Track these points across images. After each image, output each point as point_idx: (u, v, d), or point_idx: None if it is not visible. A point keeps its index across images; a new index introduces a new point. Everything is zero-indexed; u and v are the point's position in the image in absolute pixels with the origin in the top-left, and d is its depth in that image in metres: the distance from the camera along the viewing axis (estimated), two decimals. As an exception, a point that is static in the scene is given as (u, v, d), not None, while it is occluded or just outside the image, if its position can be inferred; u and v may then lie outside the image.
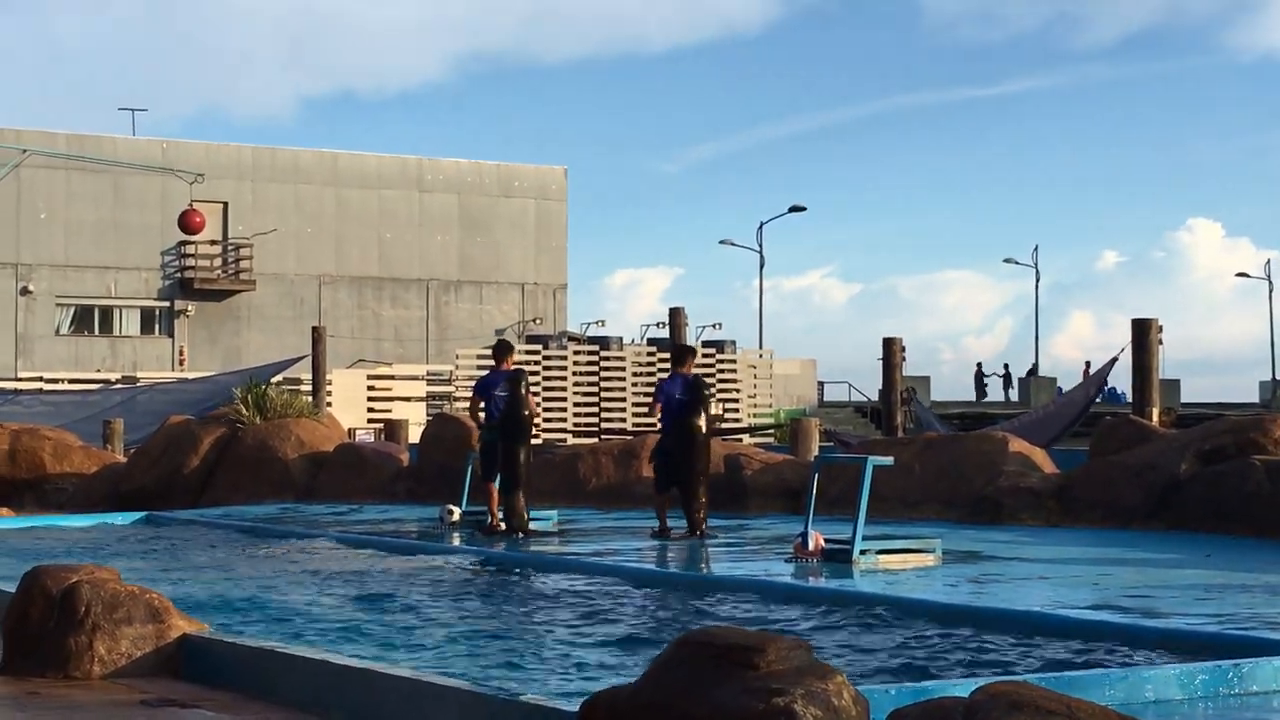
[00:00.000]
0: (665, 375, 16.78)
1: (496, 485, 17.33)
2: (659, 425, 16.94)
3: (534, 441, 18.24)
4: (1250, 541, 15.21)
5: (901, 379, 31.10)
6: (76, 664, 8.35)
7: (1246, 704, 7.32)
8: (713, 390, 17.43)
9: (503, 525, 17.17)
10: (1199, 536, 15.63)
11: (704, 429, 16.44)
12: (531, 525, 17.16)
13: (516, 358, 47.42)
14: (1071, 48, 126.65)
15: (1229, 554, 14.13)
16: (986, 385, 71.36)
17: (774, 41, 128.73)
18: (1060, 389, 59.73)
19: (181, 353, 56.06)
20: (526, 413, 17.24)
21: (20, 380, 48.31)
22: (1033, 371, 71.42)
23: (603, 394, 45.99)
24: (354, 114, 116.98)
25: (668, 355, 30.27)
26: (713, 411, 45.91)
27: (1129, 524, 16.76)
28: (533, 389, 46.25)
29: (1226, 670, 7.49)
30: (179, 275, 56.40)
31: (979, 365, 73.30)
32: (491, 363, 18.44)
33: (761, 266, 66.09)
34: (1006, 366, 73.12)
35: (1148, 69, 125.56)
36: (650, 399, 17.63)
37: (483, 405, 17.54)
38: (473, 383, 21.70)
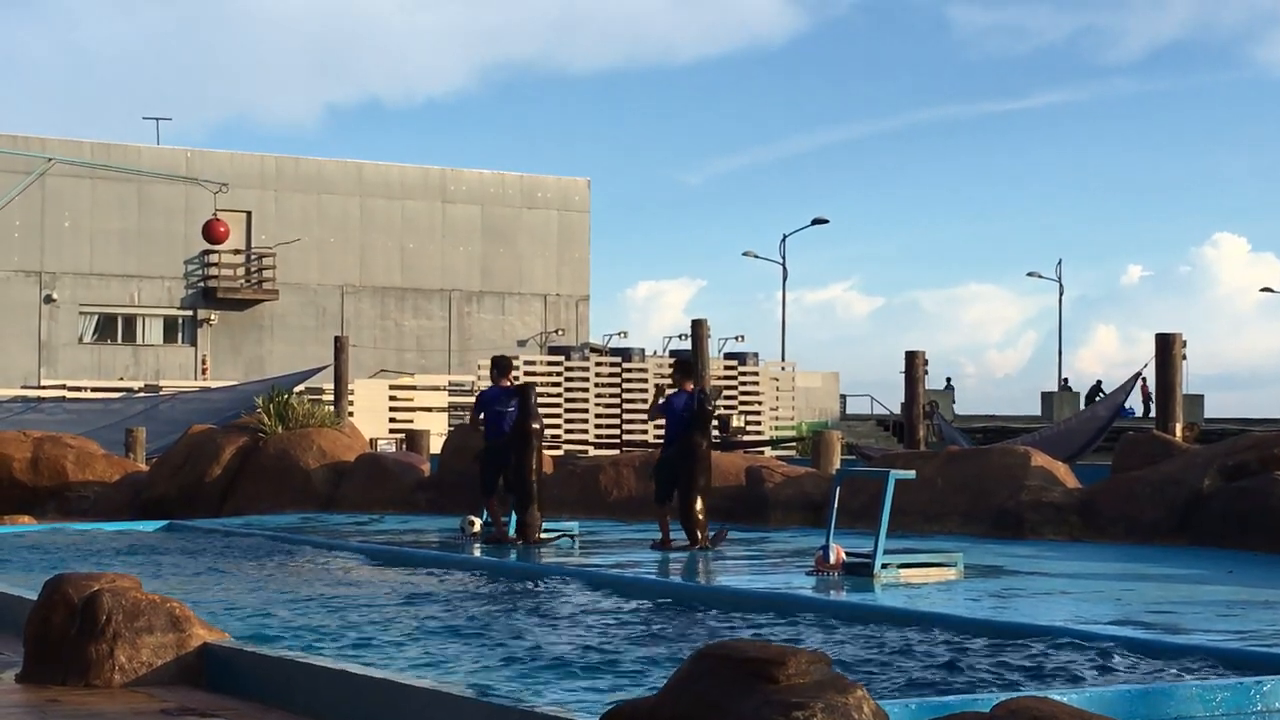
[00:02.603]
0: (671, 389, 17.01)
1: (506, 495, 17.71)
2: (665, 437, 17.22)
3: (556, 453, 18.43)
4: (1273, 558, 15.16)
5: (924, 393, 31.08)
6: (97, 672, 8.37)
7: (1269, 721, 7.30)
8: (716, 405, 17.51)
9: (511, 533, 17.52)
10: (1221, 552, 15.59)
11: (706, 445, 16.65)
12: (545, 535, 17.38)
13: (541, 369, 47.67)
14: (1098, 61, 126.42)
15: (1252, 570, 14.08)
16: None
17: (799, 54, 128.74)
18: (1101, 395, 59.18)
19: (204, 362, 56.20)
20: (536, 426, 17.46)
21: (43, 388, 48.46)
22: (1096, 388, 70.47)
23: (624, 405, 46.04)
24: (379, 123, 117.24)
25: (693, 365, 30.30)
26: (735, 423, 46.00)
27: (1151, 539, 16.72)
28: (555, 400, 46.34)
29: (1249, 687, 7.46)
30: (202, 284, 56.55)
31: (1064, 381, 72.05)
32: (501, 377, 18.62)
33: (784, 279, 66.12)
34: (949, 379, 72.21)
35: (1175, 83, 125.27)
36: (649, 407, 17.93)
37: (482, 419, 17.87)
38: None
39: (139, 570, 12.88)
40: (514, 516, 17.83)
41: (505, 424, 17.64)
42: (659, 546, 16.55)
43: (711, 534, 16.67)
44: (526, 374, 46.00)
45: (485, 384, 39.59)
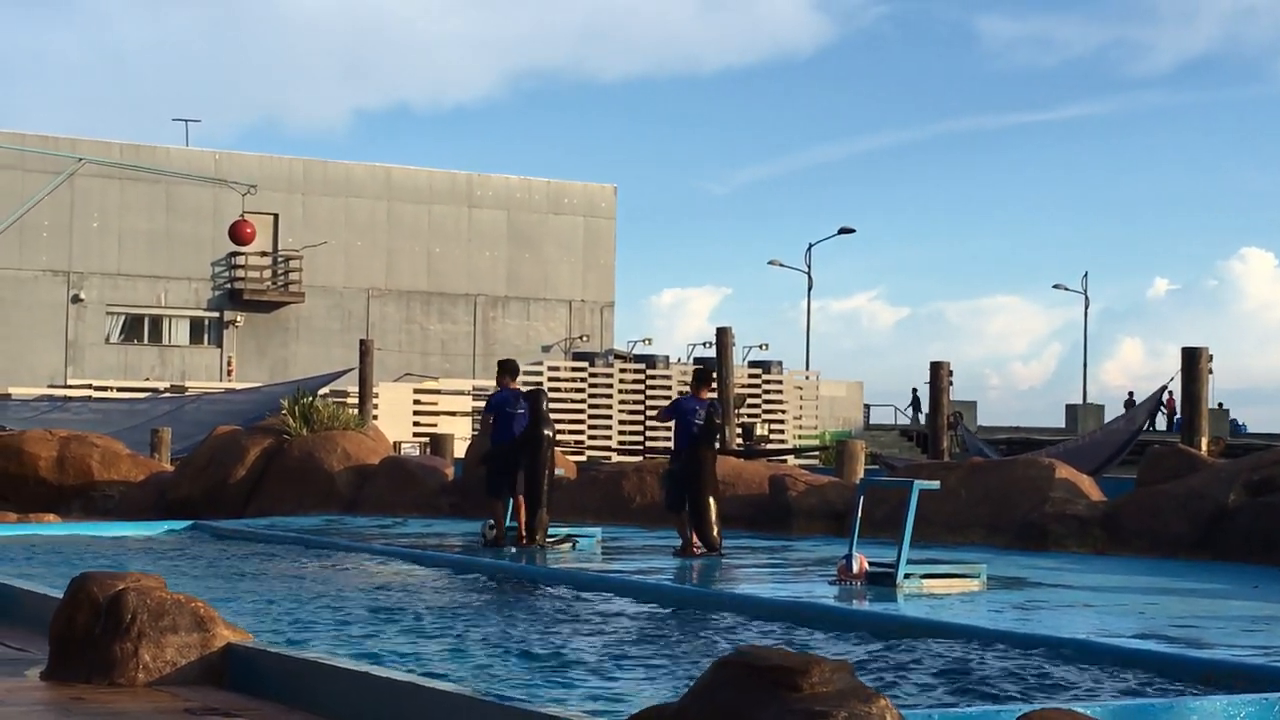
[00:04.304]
0: (684, 392, 17.20)
1: (514, 498, 17.83)
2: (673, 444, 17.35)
3: (579, 459, 18.49)
4: (1298, 574, 15.08)
5: (948, 403, 31.02)
6: (121, 671, 8.39)
7: (1293, 737, 7.26)
8: (721, 422, 17.63)
9: (515, 537, 17.67)
10: (1246, 567, 15.54)
11: (713, 457, 16.82)
12: (552, 539, 17.50)
13: (565, 375, 47.64)
14: (1127, 74, 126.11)
15: (1277, 586, 14.03)
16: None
17: (827, 64, 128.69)
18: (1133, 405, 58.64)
19: (230, 363, 56.35)
20: (548, 432, 17.58)
21: (70, 388, 48.64)
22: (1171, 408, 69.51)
23: (648, 412, 46.03)
24: (407, 128, 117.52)
25: (714, 374, 30.34)
26: (758, 432, 45.89)
27: (1175, 553, 16.66)
28: (579, 406, 46.26)
29: (1273, 704, 7.43)
30: (229, 286, 56.72)
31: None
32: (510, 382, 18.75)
33: (809, 288, 66.03)
34: (915, 391, 70.93)
35: (1203, 97, 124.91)
36: (660, 411, 18.17)
37: (491, 421, 18.00)
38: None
39: (164, 569, 12.92)
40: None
41: (515, 427, 17.75)
42: (682, 553, 16.61)
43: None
44: (551, 380, 46.06)
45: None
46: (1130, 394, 70.96)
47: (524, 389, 18.54)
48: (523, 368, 47.29)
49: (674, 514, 17.16)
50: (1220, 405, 70.08)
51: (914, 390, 69.49)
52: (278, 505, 24.46)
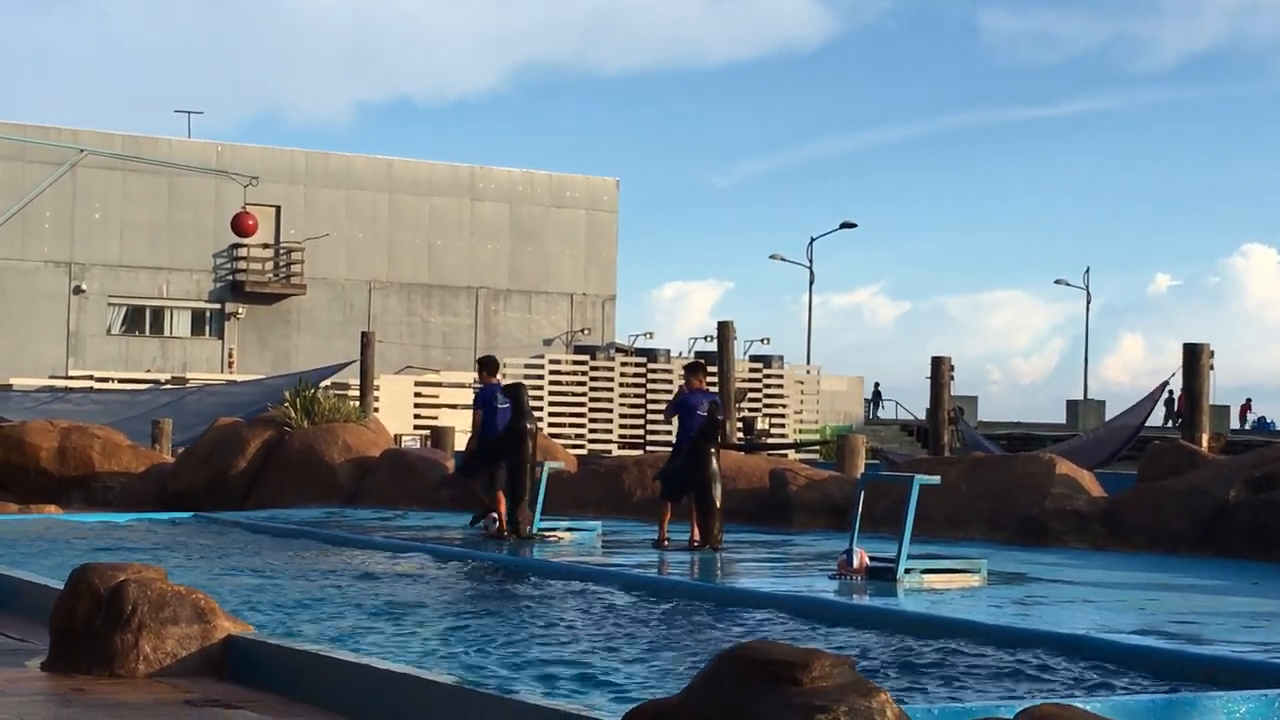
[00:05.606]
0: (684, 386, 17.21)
1: (501, 491, 18.01)
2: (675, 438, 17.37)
3: (580, 452, 18.55)
4: (1299, 570, 15.08)
5: (949, 398, 31.01)
6: (122, 662, 8.40)
7: (1293, 734, 7.27)
8: (722, 419, 17.64)
9: (506, 529, 17.81)
10: (1246, 564, 15.54)
11: (717, 451, 16.80)
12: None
13: (566, 369, 47.60)
14: (1130, 70, 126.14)
15: (1277, 582, 14.03)
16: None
17: (830, 58, 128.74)
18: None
19: (231, 355, 56.33)
20: (530, 426, 17.69)
21: (71, 378, 48.63)
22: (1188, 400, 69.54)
23: (649, 406, 46.07)
24: (410, 121, 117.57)
25: (714, 369, 30.36)
26: (760, 425, 45.88)
27: (1176, 549, 16.66)
28: (580, 399, 46.17)
29: (1273, 700, 7.43)
30: (230, 277, 56.70)
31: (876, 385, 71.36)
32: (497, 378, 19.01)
33: (811, 282, 66.05)
34: (877, 385, 70.84)
35: (1206, 92, 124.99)
36: (665, 410, 18.32)
37: (481, 417, 18.30)
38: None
39: (165, 561, 12.92)
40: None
41: (500, 420, 18.06)
42: (658, 545, 16.72)
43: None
44: (552, 373, 46.06)
45: (510, 383, 39.68)
46: (876, 384, 71.14)
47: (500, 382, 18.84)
48: (524, 361, 47.37)
49: (662, 503, 17.17)
50: (1248, 400, 70.45)
51: (875, 384, 69.95)
52: (278, 497, 24.46)
